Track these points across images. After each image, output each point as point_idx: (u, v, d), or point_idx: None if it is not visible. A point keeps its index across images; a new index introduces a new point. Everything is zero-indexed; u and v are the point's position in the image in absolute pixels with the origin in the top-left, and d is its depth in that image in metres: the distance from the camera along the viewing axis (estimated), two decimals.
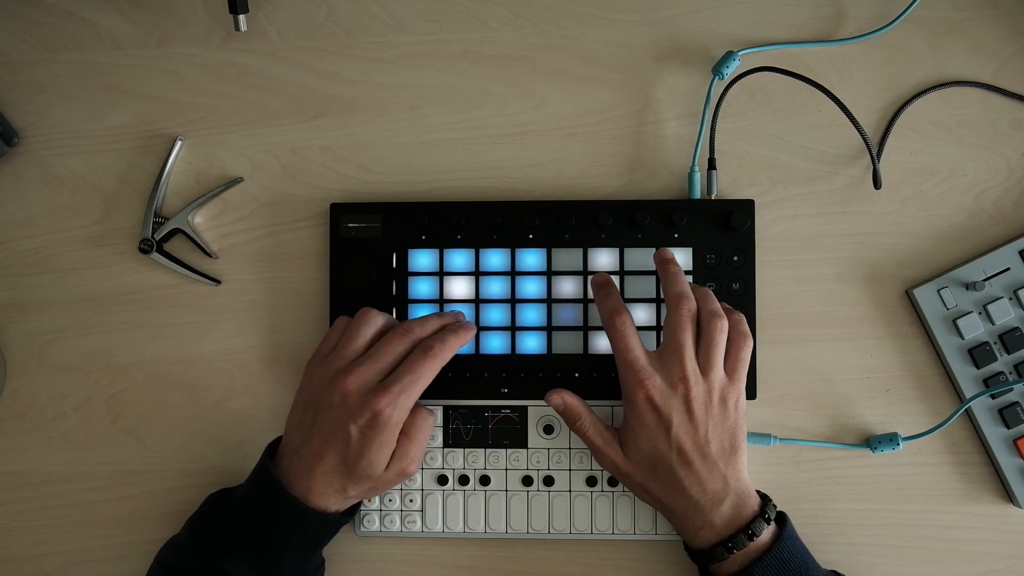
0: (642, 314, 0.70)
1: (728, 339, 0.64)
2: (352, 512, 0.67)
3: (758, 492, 0.65)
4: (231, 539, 0.62)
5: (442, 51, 0.74)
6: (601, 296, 0.66)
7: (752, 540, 0.61)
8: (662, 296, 0.70)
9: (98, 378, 0.74)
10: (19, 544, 0.73)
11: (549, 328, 0.71)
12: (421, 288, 0.71)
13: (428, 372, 0.62)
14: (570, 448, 0.70)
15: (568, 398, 0.66)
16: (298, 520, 0.62)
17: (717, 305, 0.65)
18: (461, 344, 0.65)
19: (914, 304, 0.70)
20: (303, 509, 0.62)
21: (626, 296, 0.70)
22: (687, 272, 0.70)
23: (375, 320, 0.65)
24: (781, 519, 0.64)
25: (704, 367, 0.63)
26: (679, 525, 0.64)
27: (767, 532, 0.62)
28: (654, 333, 0.70)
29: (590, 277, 0.69)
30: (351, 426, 0.61)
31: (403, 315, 0.71)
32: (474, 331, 0.67)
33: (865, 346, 0.71)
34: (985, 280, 0.69)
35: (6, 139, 0.73)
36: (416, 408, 0.63)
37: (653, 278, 0.70)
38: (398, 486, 0.71)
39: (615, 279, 0.70)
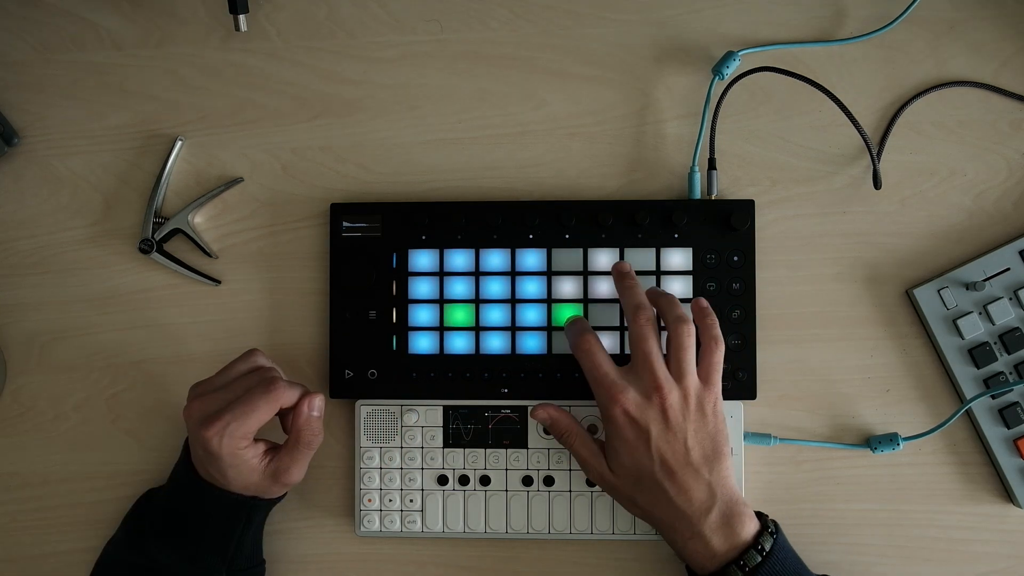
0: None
1: (700, 344, 0.65)
2: (276, 499, 0.68)
3: (756, 513, 0.64)
4: (159, 528, 0.65)
5: (442, 51, 0.74)
6: (567, 326, 0.68)
7: (746, 569, 0.61)
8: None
9: (98, 378, 0.74)
10: (19, 544, 0.73)
11: (549, 328, 0.71)
12: (421, 288, 0.71)
13: (263, 406, 0.61)
14: None
15: (554, 412, 0.67)
16: (206, 501, 0.64)
17: (681, 310, 0.65)
18: (303, 392, 0.63)
19: (914, 304, 0.70)
20: (205, 488, 0.64)
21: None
22: (687, 272, 0.70)
23: (253, 360, 0.65)
24: (772, 528, 0.63)
25: (676, 374, 0.63)
26: (668, 536, 0.64)
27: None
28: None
29: (567, 322, 0.69)
30: (196, 448, 0.63)
31: (403, 315, 0.71)
32: (322, 398, 0.64)
33: (865, 346, 0.71)
34: (985, 280, 0.69)
35: (6, 139, 0.73)
36: (301, 421, 0.63)
37: (653, 279, 0.70)
38: (398, 486, 0.71)
39: (615, 279, 0.70)
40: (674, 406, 0.62)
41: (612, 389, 0.63)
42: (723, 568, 0.61)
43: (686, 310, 0.65)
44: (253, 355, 0.65)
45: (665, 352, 0.64)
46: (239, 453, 0.61)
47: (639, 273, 0.70)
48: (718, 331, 0.65)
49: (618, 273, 0.68)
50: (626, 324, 0.65)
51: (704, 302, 0.66)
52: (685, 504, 0.62)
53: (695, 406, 0.63)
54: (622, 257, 0.70)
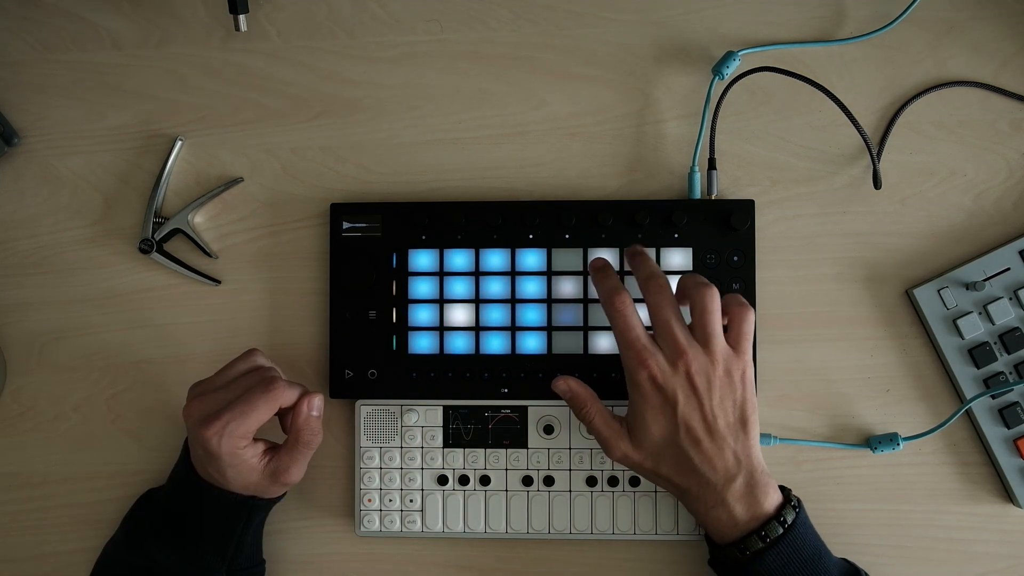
0: (642, 314, 0.70)
1: (728, 313, 0.63)
2: (275, 499, 0.67)
3: (780, 487, 0.63)
4: (158, 528, 0.65)
5: (442, 51, 0.74)
6: (599, 279, 0.66)
7: (767, 540, 0.61)
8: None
9: (98, 378, 0.74)
10: (19, 544, 0.73)
11: (549, 328, 0.71)
12: (421, 288, 0.71)
13: (263, 405, 0.61)
14: (570, 448, 0.70)
15: (574, 385, 0.65)
16: (205, 501, 0.64)
17: (703, 279, 0.64)
18: (302, 392, 0.63)
19: (914, 304, 0.70)
20: (204, 488, 0.64)
21: None
22: (686, 273, 0.70)
23: (252, 360, 0.65)
24: (795, 502, 0.63)
25: (702, 339, 0.62)
26: (692, 505, 0.63)
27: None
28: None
29: (589, 262, 0.69)
30: (196, 448, 0.63)
31: (403, 315, 0.71)
32: (322, 398, 0.64)
33: (865, 346, 0.71)
34: (985, 280, 0.69)
35: (6, 139, 0.73)
36: (301, 422, 0.63)
37: None
38: (398, 486, 0.71)
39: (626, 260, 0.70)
40: (700, 372, 0.61)
41: (643, 352, 0.61)
42: (744, 537, 0.61)
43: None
44: (252, 355, 0.65)
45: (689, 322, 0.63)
46: (238, 453, 0.61)
47: None
48: (744, 300, 0.64)
49: (630, 253, 0.67)
50: (643, 298, 0.64)
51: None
52: (710, 472, 0.61)
53: (722, 372, 0.62)
54: (622, 257, 0.70)
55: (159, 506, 0.67)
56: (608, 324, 0.70)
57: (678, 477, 0.63)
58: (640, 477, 0.69)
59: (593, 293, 0.70)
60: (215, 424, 0.60)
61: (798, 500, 0.63)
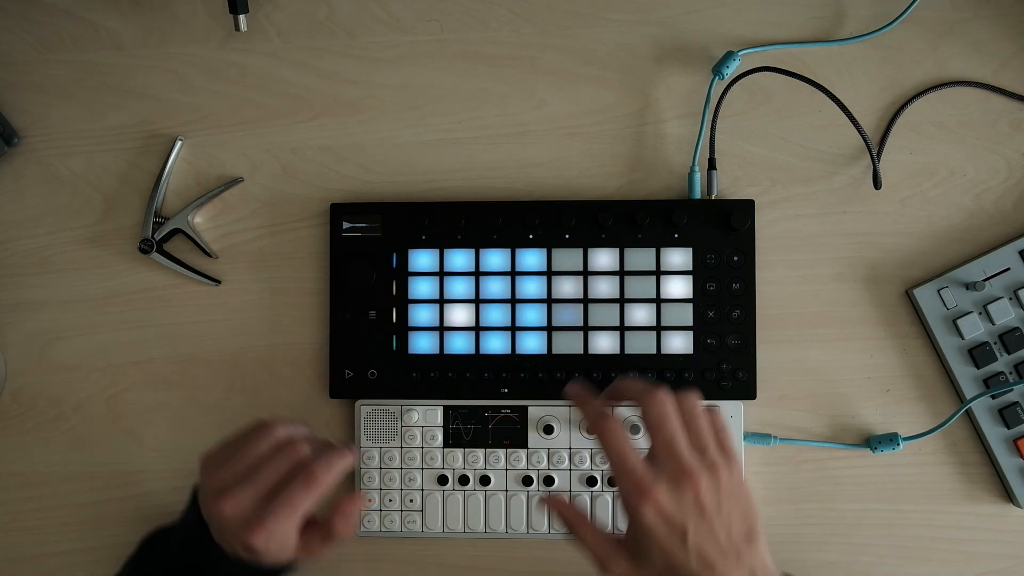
0: (642, 314, 0.70)
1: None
2: (292, 566, 0.63)
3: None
4: None
5: (442, 51, 0.74)
6: (582, 407, 0.62)
7: None
8: (664, 296, 0.70)
9: (98, 378, 0.74)
10: (19, 544, 0.73)
11: (549, 328, 0.71)
12: (421, 288, 0.71)
13: (306, 501, 0.58)
14: (570, 448, 0.70)
15: (561, 507, 0.60)
16: (223, 568, 0.60)
17: (662, 387, 0.59)
18: (344, 467, 0.59)
19: (914, 304, 0.70)
20: (224, 559, 0.60)
21: (626, 296, 0.70)
22: (687, 272, 0.70)
23: (272, 436, 0.60)
24: None
25: (699, 450, 0.57)
26: None
27: None
28: (654, 333, 0.70)
29: (565, 389, 0.64)
30: (236, 547, 0.59)
31: (403, 315, 0.71)
32: (355, 455, 0.61)
33: (865, 346, 0.71)
34: (985, 280, 0.69)
35: (6, 139, 0.73)
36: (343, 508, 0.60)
37: (653, 278, 0.70)
38: (399, 485, 0.71)
39: (615, 279, 0.70)
40: (707, 492, 0.56)
41: (642, 483, 0.55)
42: None
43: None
44: (270, 430, 0.61)
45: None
46: (286, 548, 0.59)
47: (639, 273, 0.70)
48: (700, 400, 0.60)
49: (579, 392, 0.62)
50: (640, 411, 0.59)
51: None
52: None
53: (726, 483, 0.57)
54: (622, 257, 0.70)
55: (171, 559, 0.63)
56: (609, 324, 0.70)
57: None
58: None
59: (593, 293, 0.70)
60: (260, 532, 0.57)
61: None
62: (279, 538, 0.58)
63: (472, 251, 0.71)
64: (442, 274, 0.71)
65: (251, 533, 0.57)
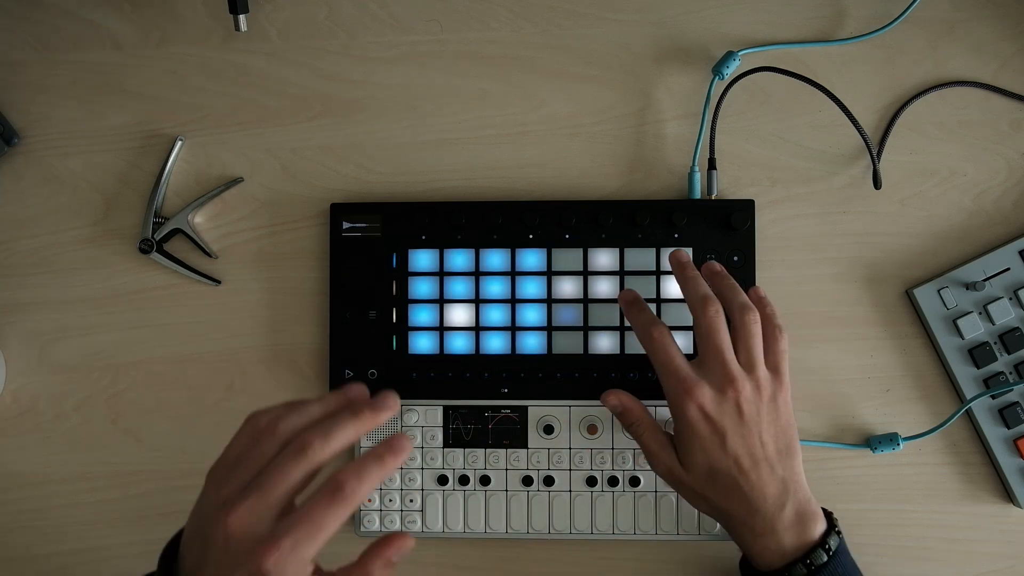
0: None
1: (764, 335, 0.63)
2: None
3: (823, 509, 0.63)
4: None
5: (442, 51, 0.74)
6: (633, 312, 0.65)
7: (811, 567, 0.59)
8: (664, 296, 0.70)
9: (98, 378, 0.74)
10: (19, 544, 0.73)
11: (549, 328, 0.71)
12: (421, 288, 0.71)
13: (333, 519, 0.48)
14: (570, 448, 0.70)
15: (625, 399, 0.65)
16: None
17: (746, 297, 0.63)
18: (384, 475, 0.49)
19: (914, 304, 0.70)
20: None
21: None
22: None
23: (275, 432, 0.51)
24: (838, 526, 0.62)
25: (747, 365, 0.61)
26: (737, 531, 0.62)
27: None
28: None
29: (619, 293, 0.67)
30: (234, 571, 0.48)
31: (403, 315, 0.71)
32: (408, 450, 0.51)
33: (865, 346, 0.71)
34: (985, 280, 0.69)
35: (6, 139, 0.73)
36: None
37: (653, 278, 0.70)
38: (399, 485, 0.71)
39: (615, 279, 0.70)
40: (749, 400, 0.60)
41: (687, 383, 0.60)
42: (788, 565, 0.60)
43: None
44: (273, 423, 0.51)
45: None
46: None
47: (639, 273, 0.70)
48: (780, 320, 0.63)
49: (677, 263, 0.64)
50: (691, 316, 0.62)
51: (762, 291, 0.65)
52: (759, 501, 0.60)
53: (768, 398, 0.61)
54: (622, 257, 0.70)
55: None
56: (608, 324, 0.70)
57: (725, 503, 0.61)
58: (638, 478, 0.70)
59: (593, 293, 0.70)
60: (272, 552, 0.47)
61: (838, 525, 0.63)
62: (294, 569, 0.48)
63: (472, 251, 0.71)
64: (442, 274, 0.71)
65: (262, 553, 0.47)
